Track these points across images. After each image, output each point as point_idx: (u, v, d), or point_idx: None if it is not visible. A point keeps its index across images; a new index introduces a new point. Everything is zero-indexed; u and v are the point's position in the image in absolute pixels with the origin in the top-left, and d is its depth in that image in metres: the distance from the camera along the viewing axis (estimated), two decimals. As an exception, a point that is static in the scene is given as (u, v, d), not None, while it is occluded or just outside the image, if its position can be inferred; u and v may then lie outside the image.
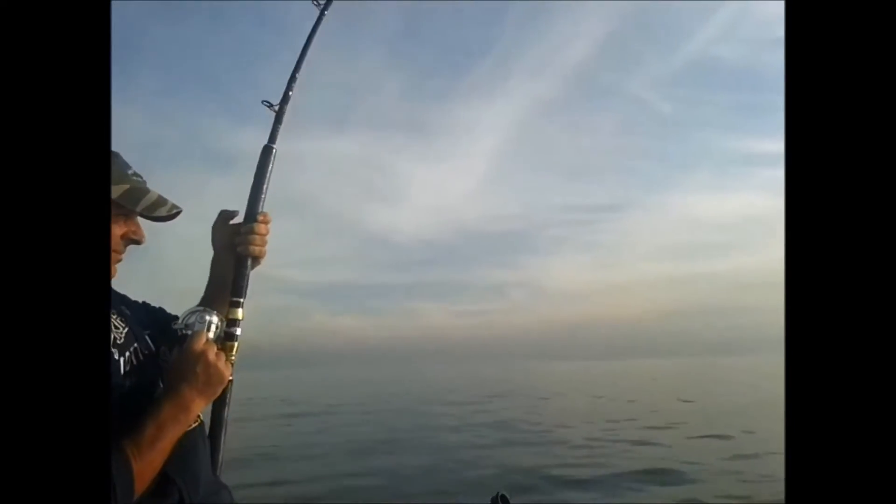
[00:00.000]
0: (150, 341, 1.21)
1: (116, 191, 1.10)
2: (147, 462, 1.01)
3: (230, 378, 1.21)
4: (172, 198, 1.21)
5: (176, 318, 1.29)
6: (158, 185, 1.20)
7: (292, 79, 1.47)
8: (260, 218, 1.34)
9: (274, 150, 1.40)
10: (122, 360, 1.09)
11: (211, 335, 1.19)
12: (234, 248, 1.33)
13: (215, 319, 1.22)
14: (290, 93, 1.45)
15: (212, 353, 1.16)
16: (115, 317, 1.14)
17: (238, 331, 1.26)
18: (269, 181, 1.38)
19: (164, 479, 1.04)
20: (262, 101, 1.42)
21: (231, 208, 1.36)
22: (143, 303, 1.36)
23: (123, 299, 1.26)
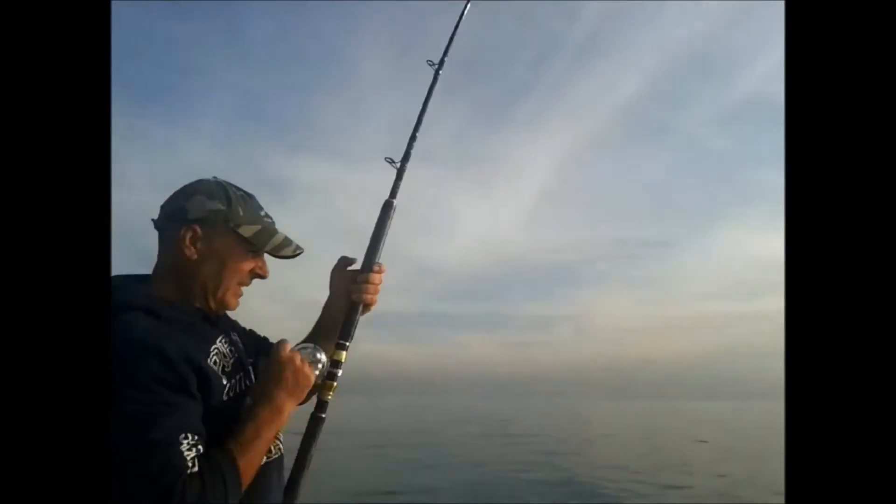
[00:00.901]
0: (252, 371, 1.29)
1: (250, 231, 1.24)
2: (248, 460, 1.10)
3: (323, 417, 1.30)
4: None
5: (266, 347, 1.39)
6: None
7: (413, 138, 1.55)
8: (376, 268, 1.43)
9: (394, 206, 1.48)
10: (228, 385, 1.17)
11: (316, 373, 1.27)
12: (349, 294, 1.41)
13: (323, 358, 1.30)
14: (411, 151, 1.54)
15: (298, 358, 1.24)
16: (226, 345, 1.22)
17: (340, 372, 1.33)
18: (387, 234, 1.46)
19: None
20: (385, 158, 1.51)
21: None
22: (251, 331, 1.44)
23: (234, 325, 1.36)
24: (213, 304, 1.23)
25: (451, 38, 1.71)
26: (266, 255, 1.30)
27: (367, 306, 1.43)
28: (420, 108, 1.59)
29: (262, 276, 1.29)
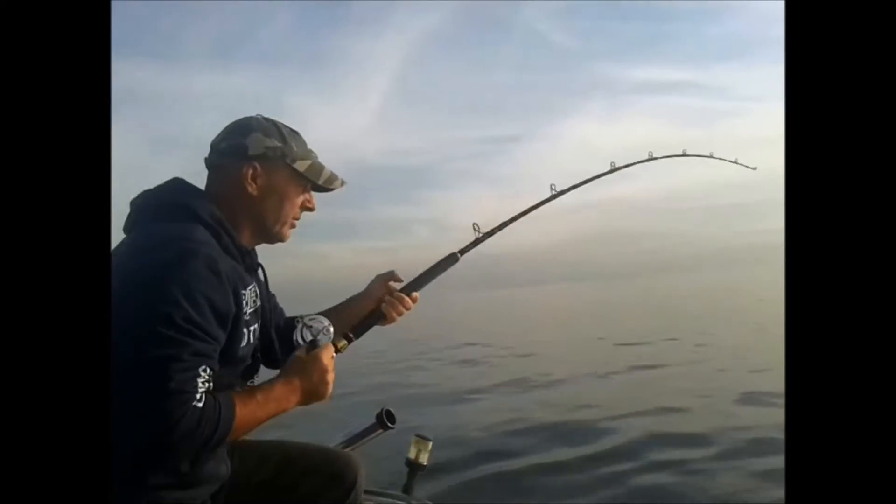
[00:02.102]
0: (259, 328, 1.32)
1: (303, 165, 1.30)
2: (245, 421, 1.12)
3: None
4: None
5: (293, 318, 1.47)
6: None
7: (505, 224, 1.69)
8: (413, 296, 1.54)
9: (457, 260, 1.61)
10: (245, 332, 1.20)
11: (322, 344, 1.32)
12: (380, 301, 1.52)
13: (331, 333, 1.39)
14: (498, 232, 1.67)
15: (332, 370, 1.29)
16: (255, 295, 1.25)
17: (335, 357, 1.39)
18: (436, 278, 1.59)
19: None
20: (473, 224, 1.64)
21: None
22: (273, 295, 1.48)
23: (264, 281, 1.38)
24: (270, 237, 1.30)
25: (582, 183, 1.84)
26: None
27: (387, 320, 1.51)
28: (527, 208, 1.75)
29: (311, 209, 1.36)
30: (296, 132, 1.33)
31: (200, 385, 1.01)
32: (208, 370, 1.03)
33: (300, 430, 3.07)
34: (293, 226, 1.34)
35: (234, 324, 1.13)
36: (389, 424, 1.63)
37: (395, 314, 1.51)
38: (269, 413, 1.17)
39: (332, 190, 1.39)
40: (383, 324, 1.52)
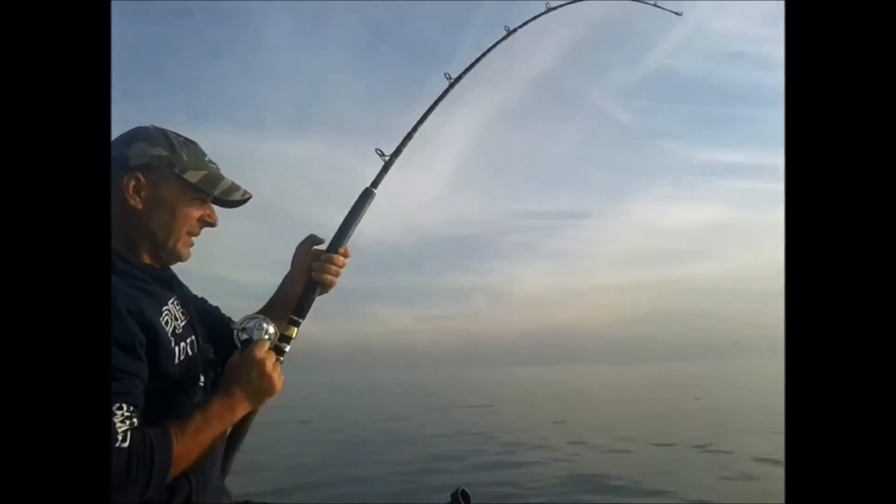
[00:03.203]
0: (202, 337, 1.24)
1: (195, 176, 1.18)
2: (187, 449, 1.04)
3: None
4: None
5: (230, 319, 1.36)
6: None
7: (409, 136, 1.58)
8: (341, 251, 1.41)
9: (373, 195, 1.48)
10: (177, 348, 1.12)
11: (266, 345, 1.23)
12: (310, 271, 1.39)
13: (272, 330, 1.26)
14: (404, 148, 1.56)
15: (270, 362, 1.20)
16: (178, 307, 1.18)
17: (287, 348, 1.30)
18: (360, 221, 1.45)
19: (177, 475, 1.06)
20: (376, 150, 1.53)
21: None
22: (202, 298, 1.40)
23: (185, 290, 1.30)
24: (164, 256, 1.18)
25: (477, 61, 1.75)
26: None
27: (325, 287, 1.39)
28: (425, 111, 1.63)
29: (212, 224, 1.25)
30: (191, 142, 1.23)
31: (119, 424, 0.94)
32: (126, 407, 0.97)
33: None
34: (190, 243, 1.22)
35: (152, 347, 1.05)
36: None
37: (329, 277, 1.38)
38: (215, 431, 1.10)
39: (235, 203, 1.28)
40: (324, 292, 1.40)
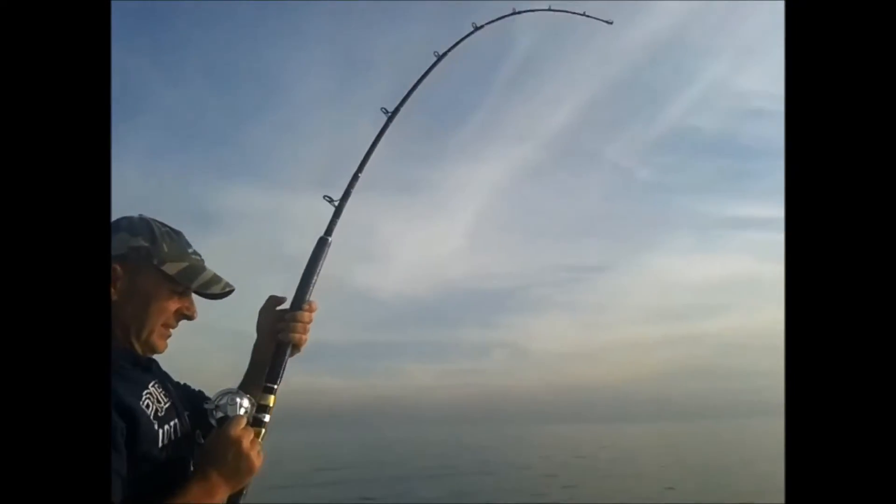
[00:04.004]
0: (187, 420, 1.22)
1: (175, 268, 1.17)
2: None
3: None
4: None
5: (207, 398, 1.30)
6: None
7: (355, 178, 1.51)
8: (306, 307, 1.35)
9: (329, 243, 1.41)
10: (161, 431, 1.11)
11: (244, 423, 1.18)
12: (277, 333, 1.33)
13: (247, 403, 1.21)
14: (352, 190, 1.49)
15: (247, 441, 1.15)
16: (160, 390, 1.16)
17: (267, 417, 1.25)
18: (319, 272, 1.38)
19: None
20: (324, 197, 1.45)
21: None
22: (185, 384, 1.36)
23: (167, 376, 1.28)
24: (138, 347, 1.16)
25: (410, 92, 1.67)
26: (196, 295, 1.23)
27: (295, 347, 1.33)
28: (366, 150, 1.55)
29: (190, 318, 1.22)
30: (175, 232, 1.21)
31: None
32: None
33: None
34: (166, 335, 1.19)
35: (132, 432, 1.02)
36: None
37: (298, 336, 1.33)
38: None
39: (217, 296, 1.25)
40: (295, 352, 1.34)
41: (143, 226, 1.18)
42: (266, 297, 1.38)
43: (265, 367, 1.32)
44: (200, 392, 1.38)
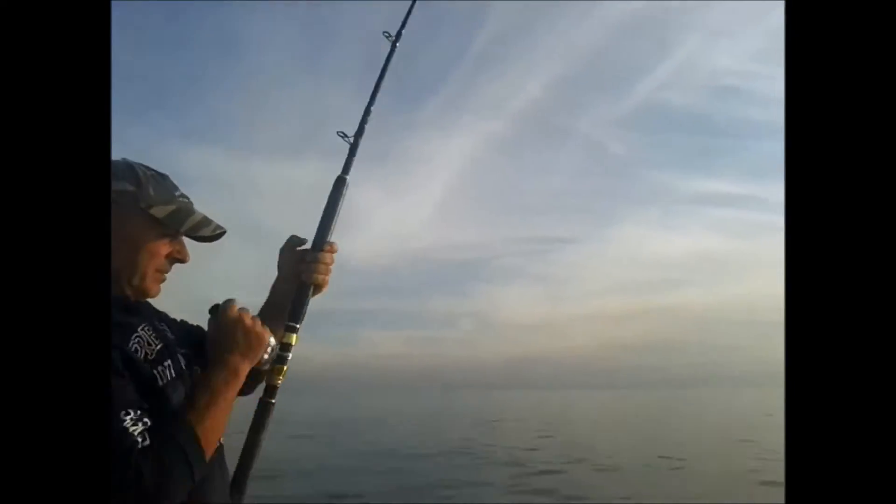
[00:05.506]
0: (183, 359, 1.21)
1: (163, 211, 1.15)
2: (207, 428, 1.05)
3: (272, 402, 1.24)
4: None
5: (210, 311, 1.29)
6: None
7: (367, 112, 1.49)
8: (327, 248, 1.36)
9: (346, 182, 1.41)
10: (153, 374, 1.10)
11: (265, 356, 1.21)
12: (299, 274, 1.35)
13: (272, 341, 1.22)
14: (365, 126, 1.47)
15: (248, 318, 1.18)
16: (150, 333, 1.15)
17: (289, 355, 1.28)
18: (339, 212, 1.39)
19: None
20: (338, 132, 1.44)
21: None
22: (182, 321, 1.36)
23: (161, 316, 1.27)
24: (130, 292, 1.15)
25: (410, 10, 1.62)
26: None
27: (318, 287, 1.35)
28: (375, 81, 1.52)
29: (182, 261, 1.21)
30: (161, 175, 1.19)
31: (132, 427, 0.94)
32: (132, 411, 0.96)
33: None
34: (159, 279, 1.18)
35: (127, 368, 1.02)
36: None
37: (321, 276, 1.34)
38: (228, 400, 1.10)
39: (208, 239, 1.23)
40: (318, 292, 1.36)
41: (127, 170, 1.15)
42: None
43: (282, 307, 1.34)
44: (199, 327, 1.36)
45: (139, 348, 1.10)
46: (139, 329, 1.13)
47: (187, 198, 1.21)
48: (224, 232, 1.25)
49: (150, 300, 1.22)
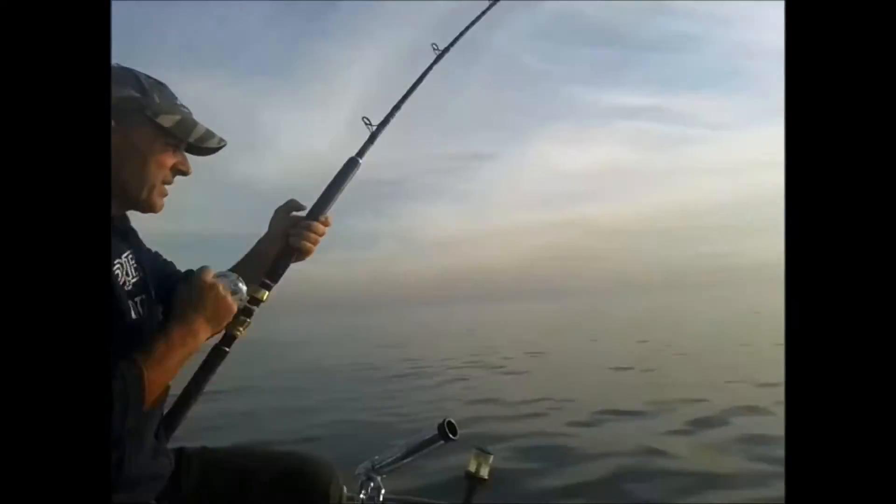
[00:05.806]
0: (154, 295, 1.20)
1: (169, 120, 1.10)
2: (156, 377, 1.03)
3: (227, 350, 1.25)
4: None
5: (182, 274, 1.32)
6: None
7: (397, 107, 1.55)
8: (322, 219, 1.38)
9: (359, 164, 1.45)
10: (128, 305, 1.09)
11: (235, 304, 1.21)
12: (287, 236, 1.36)
13: (244, 289, 1.24)
14: (391, 119, 1.52)
15: (221, 287, 1.17)
16: (132, 263, 1.13)
17: (256, 310, 1.29)
18: (342, 190, 1.42)
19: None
20: (363, 118, 1.48)
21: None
22: (156, 252, 1.34)
23: (141, 245, 1.25)
24: (137, 205, 1.12)
25: (464, 32, 1.70)
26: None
27: (302, 254, 1.36)
28: (413, 81, 1.60)
29: (185, 173, 1.17)
30: (161, 83, 1.13)
31: None
32: None
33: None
34: (164, 192, 1.14)
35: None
36: (451, 436, 1.51)
37: (307, 245, 1.35)
38: (180, 359, 1.08)
39: (209, 151, 1.21)
40: (299, 258, 1.37)
41: (127, 75, 1.09)
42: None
43: (263, 262, 1.35)
44: (171, 263, 1.36)
45: (120, 275, 1.07)
46: (122, 256, 1.11)
47: (188, 108, 1.18)
48: (226, 144, 1.22)
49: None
